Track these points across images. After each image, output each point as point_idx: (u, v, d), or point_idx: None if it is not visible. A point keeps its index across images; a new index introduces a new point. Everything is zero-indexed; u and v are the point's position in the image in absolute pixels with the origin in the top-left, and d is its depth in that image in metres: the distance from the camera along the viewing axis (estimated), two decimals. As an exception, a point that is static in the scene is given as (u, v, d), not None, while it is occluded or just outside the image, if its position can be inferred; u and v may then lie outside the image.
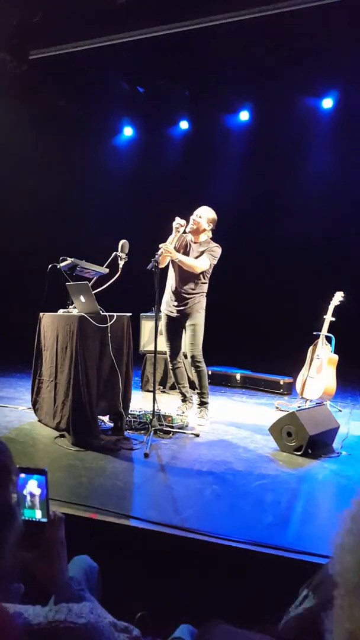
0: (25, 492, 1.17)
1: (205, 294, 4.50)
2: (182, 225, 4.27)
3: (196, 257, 4.40)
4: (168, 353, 4.69)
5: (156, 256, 3.96)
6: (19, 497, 1.02)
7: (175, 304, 4.47)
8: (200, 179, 8.12)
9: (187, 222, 4.36)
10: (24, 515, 1.16)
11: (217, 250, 4.42)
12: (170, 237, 4.30)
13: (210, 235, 4.53)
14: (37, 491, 1.18)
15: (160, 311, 4.51)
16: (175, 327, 4.59)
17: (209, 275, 4.48)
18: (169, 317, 4.57)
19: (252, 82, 7.44)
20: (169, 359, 4.73)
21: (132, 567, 2.21)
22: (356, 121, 7.49)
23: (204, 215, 4.45)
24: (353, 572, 0.65)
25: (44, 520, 1.18)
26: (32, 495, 1.17)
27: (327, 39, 6.10)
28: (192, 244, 4.49)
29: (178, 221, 4.27)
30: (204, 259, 4.34)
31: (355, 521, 0.71)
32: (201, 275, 4.42)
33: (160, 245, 4.11)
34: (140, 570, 2.21)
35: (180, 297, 4.45)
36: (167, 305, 4.54)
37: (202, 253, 4.40)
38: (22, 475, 1.15)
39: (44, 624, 0.77)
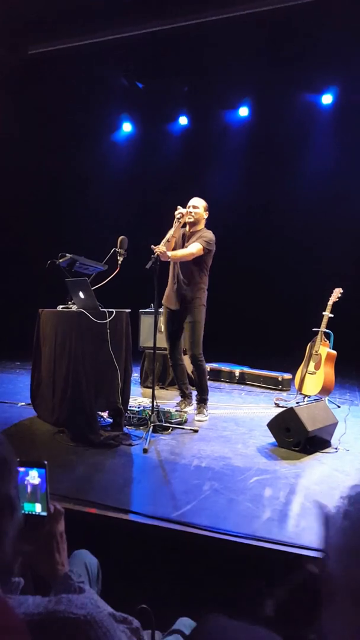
0: (25, 485, 1.17)
1: (205, 288, 4.48)
2: (183, 215, 4.27)
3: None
4: (168, 349, 4.68)
5: (154, 256, 3.94)
6: (19, 490, 1.03)
7: (176, 297, 4.46)
8: (199, 175, 8.10)
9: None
10: (24, 509, 1.17)
11: (209, 235, 4.39)
12: (171, 230, 4.27)
13: (204, 223, 4.54)
14: (38, 484, 1.18)
15: (159, 307, 4.51)
16: (175, 321, 4.56)
17: (208, 266, 4.46)
18: (169, 311, 4.55)
19: (252, 78, 7.42)
20: (169, 355, 4.72)
21: (131, 562, 2.22)
22: (356, 117, 7.48)
23: (200, 204, 4.47)
24: (353, 577, 0.65)
25: (44, 514, 1.19)
26: (32, 488, 1.18)
27: (327, 34, 6.09)
28: (188, 234, 4.49)
29: (180, 211, 4.27)
30: (195, 244, 4.32)
31: (349, 519, 0.71)
32: (201, 266, 4.40)
33: (154, 249, 3.99)
34: (139, 565, 2.23)
35: (180, 289, 4.43)
36: (168, 298, 4.53)
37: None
38: (22, 468, 1.16)
39: (44, 614, 0.77)
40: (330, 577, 0.68)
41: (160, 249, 4.03)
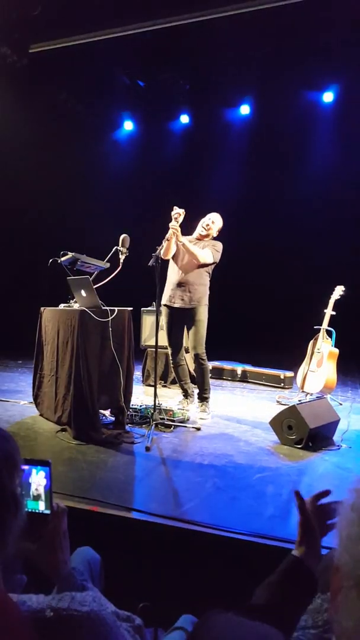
0: (29, 483, 1.18)
1: (207, 287, 4.49)
2: (180, 215, 4.27)
3: None
4: (169, 349, 4.67)
5: (157, 251, 3.95)
6: (22, 488, 1.03)
7: (178, 296, 4.45)
8: (200, 173, 8.11)
9: (188, 214, 4.37)
10: (27, 507, 1.17)
11: (220, 245, 4.46)
12: (170, 231, 4.29)
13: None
14: (41, 482, 1.19)
15: (160, 305, 4.51)
16: (176, 320, 4.55)
17: (211, 268, 4.49)
18: (170, 310, 4.52)
19: (253, 76, 7.41)
20: (170, 356, 4.72)
21: (134, 559, 2.22)
22: (357, 115, 7.47)
23: (217, 222, 4.52)
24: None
25: (47, 512, 1.19)
26: (35, 486, 1.18)
27: (328, 32, 6.07)
28: (196, 241, 4.49)
29: (177, 210, 4.27)
30: (208, 251, 4.36)
31: (357, 510, 0.71)
32: (204, 267, 4.41)
33: (170, 225, 4.12)
34: (142, 562, 2.23)
35: (182, 289, 4.43)
36: (169, 297, 4.52)
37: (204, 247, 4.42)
38: (26, 466, 1.16)
39: (47, 611, 0.78)
40: (337, 568, 0.69)
41: (175, 225, 4.13)
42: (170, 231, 4.14)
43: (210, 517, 2.35)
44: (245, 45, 6.41)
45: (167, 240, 4.12)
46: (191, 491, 2.73)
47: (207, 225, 4.48)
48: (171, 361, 4.75)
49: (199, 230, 4.49)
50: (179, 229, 4.22)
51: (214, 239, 4.55)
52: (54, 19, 6.02)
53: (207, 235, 4.50)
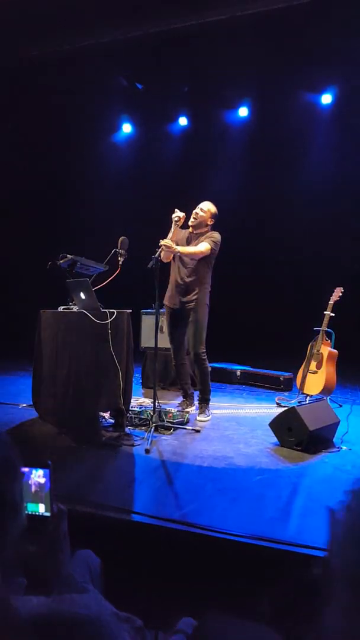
0: (29, 485, 1.18)
1: (208, 288, 4.48)
2: (181, 218, 4.26)
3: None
4: (171, 349, 4.67)
5: (156, 253, 3.95)
6: (23, 490, 1.03)
7: (179, 296, 4.45)
8: (199, 175, 8.10)
9: (188, 216, 4.36)
10: (27, 510, 1.17)
11: (217, 236, 4.39)
12: (170, 232, 4.30)
13: (210, 228, 4.51)
14: (41, 484, 1.18)
15: (160, 308, 4.51)
16: (178, 321, 4.55)
17: (211, 266, 4.46)
18: (171, 310, 4.54)
19: (251, 78, 7.41)
20: (172, 355, 4.71)
21: (134, 562, 2.22)
22: (355, 117, 7.47)
23: (208, 209, 4.43)
24: (354, 566, 0.66)
25: (47, 514, 1.19)
26: (36, 488, 1.18)
27: (327, 34, 6.08)
28: (193, 235, 4.48)
29: (177, 214, 4.26)
30: (204, 243, 4.31)
31: (351, 513, 0.71)
32: (204, 265, 4.39)
33: (160, 242, 4.10)
34: (142, 565, 2.23)
35: (183, 289, 4.43)
36: (170, 298, 4.53)
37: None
38: (26, 468, 1.16)
39: (47, 613, 0.77)
40: (332, 568, 0.69)
41: (166, 242, 4.07)
42: (160, 248, 4.03)
43: (210, 519, 2.35)
44: (244, 47, 6.41)
45: (158, 259, 4.00)
46: (191, 493, 2.72)
47: (196, 213, 4.40)
48: (172, 359, 4.74)
49: (191, 221, 4.41)
50: (171, 243, 4.16)
51: (213, 228, 4.50)
52: (52, 21, 6.03)
53: (200, 224, 4.41)
